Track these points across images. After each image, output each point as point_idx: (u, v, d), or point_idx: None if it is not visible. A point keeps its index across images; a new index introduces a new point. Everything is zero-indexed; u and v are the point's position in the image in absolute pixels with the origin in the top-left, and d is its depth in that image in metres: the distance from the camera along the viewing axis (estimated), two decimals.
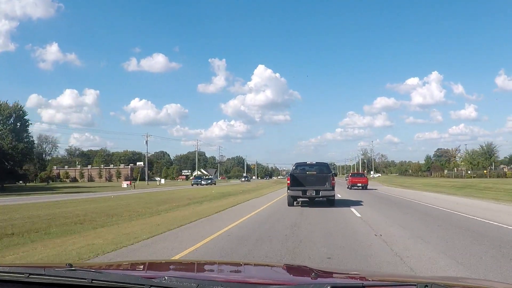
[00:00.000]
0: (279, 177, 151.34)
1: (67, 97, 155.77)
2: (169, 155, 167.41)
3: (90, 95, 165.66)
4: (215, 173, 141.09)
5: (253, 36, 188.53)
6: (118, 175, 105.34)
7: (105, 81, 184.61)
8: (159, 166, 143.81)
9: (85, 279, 1.61)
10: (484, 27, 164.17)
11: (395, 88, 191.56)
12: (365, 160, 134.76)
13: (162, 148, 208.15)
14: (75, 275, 1.65)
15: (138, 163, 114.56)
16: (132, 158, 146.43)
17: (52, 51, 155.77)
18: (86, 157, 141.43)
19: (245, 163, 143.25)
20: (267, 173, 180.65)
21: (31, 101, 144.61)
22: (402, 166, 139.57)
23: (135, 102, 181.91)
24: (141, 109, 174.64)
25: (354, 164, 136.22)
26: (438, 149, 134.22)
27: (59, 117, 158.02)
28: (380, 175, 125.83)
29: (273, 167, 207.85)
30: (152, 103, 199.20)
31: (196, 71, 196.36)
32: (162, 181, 77.25)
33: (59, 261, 6.06)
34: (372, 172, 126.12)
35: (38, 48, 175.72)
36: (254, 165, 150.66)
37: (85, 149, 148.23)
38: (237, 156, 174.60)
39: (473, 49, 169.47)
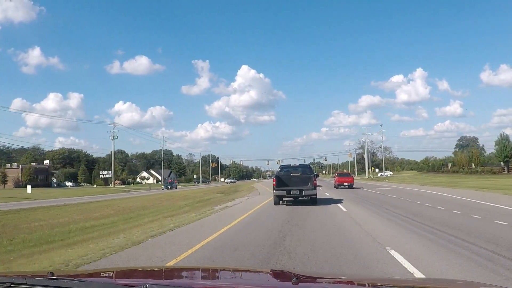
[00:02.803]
0: (226, 180, 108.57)
1: (51, 101, 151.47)
2: (127, 154, 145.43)
3: (74, 99, 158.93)
4: (169, 175, 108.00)
5: (236, 36, 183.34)
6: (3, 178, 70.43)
7: (88, 85, 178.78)
8: (102, 166, 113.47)
9: None
10: (468, 23, 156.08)
11: (380, 86, 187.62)
12: (364, 155, 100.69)
13: (147, 149, 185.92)
14: (57, 284, 1.67)
15: (45, 162, 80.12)
16: (69, 156, 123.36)
17: (35, 55, 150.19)
18: (9, 156, 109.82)
19: (200, 161, 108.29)
20: (242, 173, 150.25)
21: (15, 105, 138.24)
22: (434, 160, 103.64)
23: (119, 105, 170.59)
24: (125, 112, 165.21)
25: (352, 161, 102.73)
26: (461, 137, 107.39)
27: (44, 121, 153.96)
28: (391, 173, 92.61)
29: (254, 168, 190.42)
30: (136, 105, 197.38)
31: (179, 73, 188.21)
32: (28, 189, 42.87)
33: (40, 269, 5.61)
34: (377, 170, 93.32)
35: (20, 52, 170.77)
36: (215, 163, 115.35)
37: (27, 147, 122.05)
38: (208, 155, 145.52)
39: (457, 45, 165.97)
